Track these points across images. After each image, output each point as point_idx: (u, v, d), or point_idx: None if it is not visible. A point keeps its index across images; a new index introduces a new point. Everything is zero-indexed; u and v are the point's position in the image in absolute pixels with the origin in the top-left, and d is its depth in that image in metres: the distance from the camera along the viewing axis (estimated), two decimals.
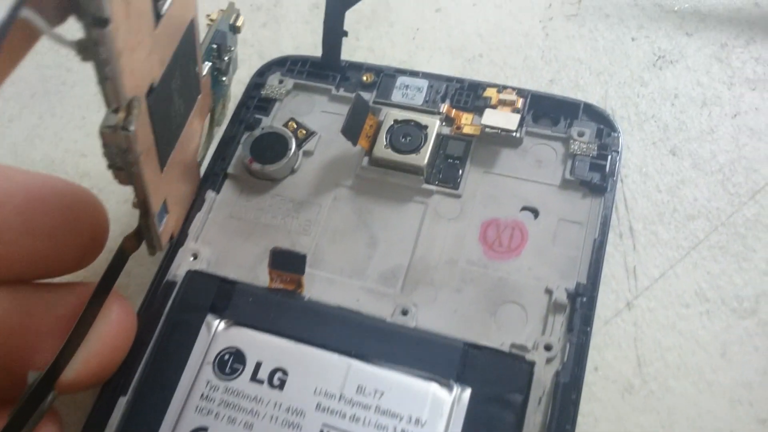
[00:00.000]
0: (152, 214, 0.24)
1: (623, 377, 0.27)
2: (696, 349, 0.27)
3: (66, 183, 0.23)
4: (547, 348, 0.26)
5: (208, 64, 0.28)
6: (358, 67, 0.33)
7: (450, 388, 0.24)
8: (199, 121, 0.28)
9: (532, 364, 0.25)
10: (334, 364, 0.24)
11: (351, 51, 0.35)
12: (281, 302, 0.26)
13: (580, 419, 0.25)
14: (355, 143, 0.29)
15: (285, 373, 0.24)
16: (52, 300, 0.23)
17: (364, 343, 0.25)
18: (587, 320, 0.26)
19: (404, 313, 0.26)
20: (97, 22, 0.17)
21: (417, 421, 0.23)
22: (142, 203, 0.23)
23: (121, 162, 0.21)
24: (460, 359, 0.24)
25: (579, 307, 0.26)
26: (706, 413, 0.25)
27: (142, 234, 0.25)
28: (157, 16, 0.21)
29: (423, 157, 0.29)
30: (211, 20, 0.29)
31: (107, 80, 0.19)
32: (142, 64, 0.20)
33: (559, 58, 0.35)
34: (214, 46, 0.29)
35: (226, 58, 0.29)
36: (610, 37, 0.35)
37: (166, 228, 0.26)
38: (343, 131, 0.28)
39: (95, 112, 0.35)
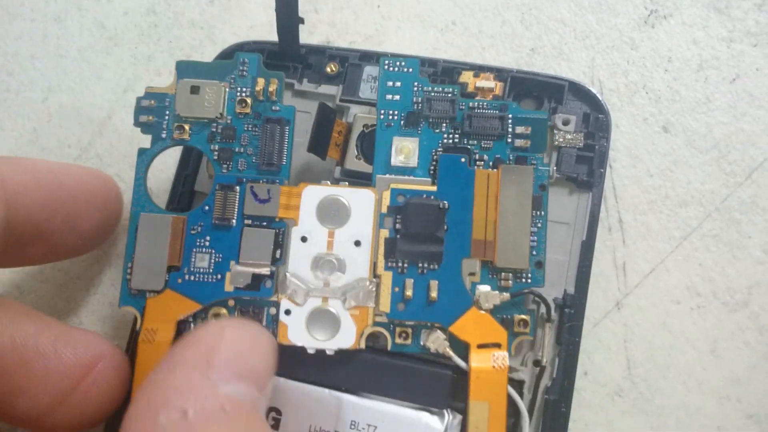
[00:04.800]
0: None
1: (613, 381, 0.27)
2: (686, 348, 0.27)
3: (85, 168, 0.27)
4: (536, 364, 0.26)
5: None
6: (321, 52, 0.30)
7: (442, 417, 0.24)
8: None
9: (521, 384, 0.25)
10: (325, 400, 0.24)
11: (310, 26, 0.32)
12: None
13: (570, 425, 0.25)
14: (324, 158, 0.27)
15: (279, 412, 0.25)
16: (48, 349, 0.23)
17: (354, 376, 0.25)
18: (576, 331, 0.26)
19: (375, 340, 0.26)
20: None
21: None
22: None
23: None
24: (450, 387, 0.25)
25: (567, 319, 0.26)
26: (695, 412, 0.26)
27: None
28: None
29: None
30: None
31: None
32: None
33: (541, 20, 0.31)
34: None
35: None
36: None
37: None
38: (309, 150, 0.26)
39: (46, 122, 0.33)
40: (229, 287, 0.25)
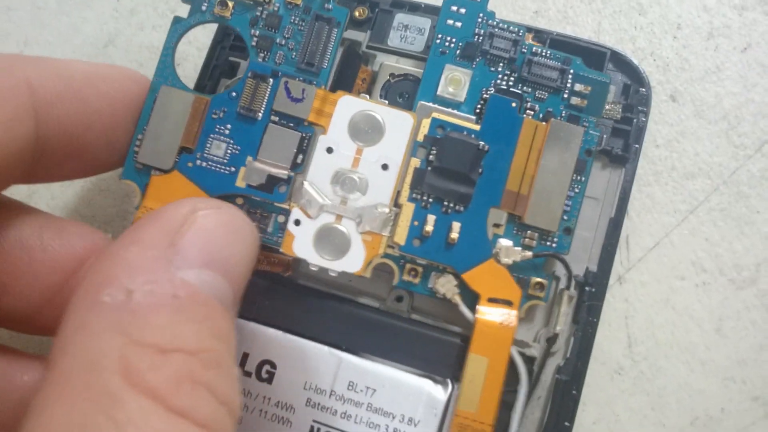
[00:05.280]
0: None
1: (612, 359, 0.26)
2: (690, 326, 0.26)
3: (123, 70, 0.23)
4: (550, 341, 0.24)
5: None
6: None
7: (446, 386, 0.23)
8: None
9: (532, 360, 0.24)
10: (324, 357, 0.23)
11: None
12: (268, 288, 0.24)
13: None
14: None
15: (273, 366, 0.23)
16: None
17: (357, 335, 0.23)
18: (595, 312, 0.24)
19: (399, 299, 0.25)
20: None
21: (410, 420, 0.22)
22: None
23: None
24: (457, 356, 0.23)
25: (587, 298, 0.24)
26: (697, 393, 0.25)
27: None
28: None
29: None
30: None
31: None
32: None
33: None
34: None
35: None
36: None
37: None
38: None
39: None
40: (241, 183, 0.23)
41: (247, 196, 0.23)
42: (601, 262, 0.25)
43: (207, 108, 0.23)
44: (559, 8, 0.29)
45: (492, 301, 0.23)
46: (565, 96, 0.24)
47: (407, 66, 0.26)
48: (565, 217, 0.24)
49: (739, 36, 0.27)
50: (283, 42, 0.24)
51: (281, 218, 0.23)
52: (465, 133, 0.24)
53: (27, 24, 0.31)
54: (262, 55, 0.24)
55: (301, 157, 0.23)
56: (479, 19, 0.24)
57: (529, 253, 0.23)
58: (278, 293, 0.24)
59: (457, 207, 0.23)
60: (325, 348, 0.23)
